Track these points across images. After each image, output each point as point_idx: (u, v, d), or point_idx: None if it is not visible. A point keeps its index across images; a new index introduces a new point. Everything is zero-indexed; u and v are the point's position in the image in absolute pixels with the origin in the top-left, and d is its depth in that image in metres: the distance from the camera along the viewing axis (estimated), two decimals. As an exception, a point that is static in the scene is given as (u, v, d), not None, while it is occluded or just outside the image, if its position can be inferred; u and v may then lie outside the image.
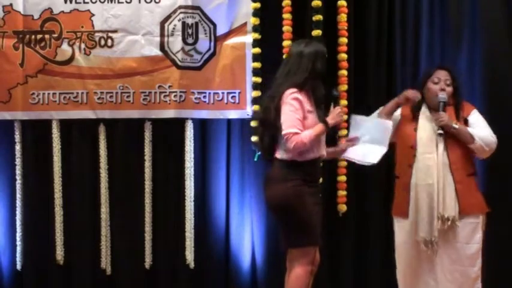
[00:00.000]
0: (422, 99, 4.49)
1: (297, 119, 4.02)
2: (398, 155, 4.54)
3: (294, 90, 4.06)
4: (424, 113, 4.48)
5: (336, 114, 4.19)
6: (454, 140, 4.36)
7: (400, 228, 4.50)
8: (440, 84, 4.43)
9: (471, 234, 4.36)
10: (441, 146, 4.35)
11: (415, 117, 4.49)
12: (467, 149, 4.39)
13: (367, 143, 4.40)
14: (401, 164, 4.50)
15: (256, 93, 5.29)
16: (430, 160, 4.34)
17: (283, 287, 5.41)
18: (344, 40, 5.32)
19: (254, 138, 5.31)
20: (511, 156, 5.20)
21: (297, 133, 4.00)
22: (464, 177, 4.37)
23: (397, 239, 4.54)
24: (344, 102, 5.29)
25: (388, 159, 4.58)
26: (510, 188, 5.27)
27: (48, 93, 5.32)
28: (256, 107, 5.29)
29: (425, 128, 4.42)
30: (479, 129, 4.40)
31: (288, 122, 4.02)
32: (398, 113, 4.57)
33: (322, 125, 4.10)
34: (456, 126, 4.33)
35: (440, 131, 4.34)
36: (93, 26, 5.32)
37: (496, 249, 5.16)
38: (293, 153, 4.05)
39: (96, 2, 5.32)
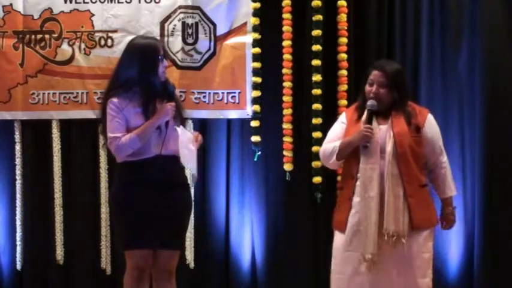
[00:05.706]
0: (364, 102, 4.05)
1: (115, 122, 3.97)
2: (343, 164, 4.14)
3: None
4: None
5: (163, 110, 3.94)
6: (405, 148, 3.93)
7: (338, 242, 4.06)
8: (373, 87, 4.00)
9: (422, 244, 3.96)
10: (390, 155, 3.92)
11: (359, 121, 4.05)
12: (420, 158, 3.99)
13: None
14: (344, 174, 4.13)
15: (256, 93, 5.30)
16: (374, 171, 3.92)
17: (283, 287, 5.45)
18: (344, 40, 5.31)
19: (254, 138, 5.32)
20: (511, 157, 5.20)
21: (116, 137, 3.94)
22: (417, 189, 3.96)
23: (335, 253, 4.08)
24: (344, 102, 5.29)
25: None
26: (510, 188, 5.26)
27: (48, 93, 5.32)
28: (256, 107, 5.32)
29: None
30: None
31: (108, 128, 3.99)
32: (343, 119, 4.17)
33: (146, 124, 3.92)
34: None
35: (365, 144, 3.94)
36: (93, 26, 5.32)
37: (496, 250, 5.19)
38: (118, 157, 4.01)
39: (96, 2, 5.32)
